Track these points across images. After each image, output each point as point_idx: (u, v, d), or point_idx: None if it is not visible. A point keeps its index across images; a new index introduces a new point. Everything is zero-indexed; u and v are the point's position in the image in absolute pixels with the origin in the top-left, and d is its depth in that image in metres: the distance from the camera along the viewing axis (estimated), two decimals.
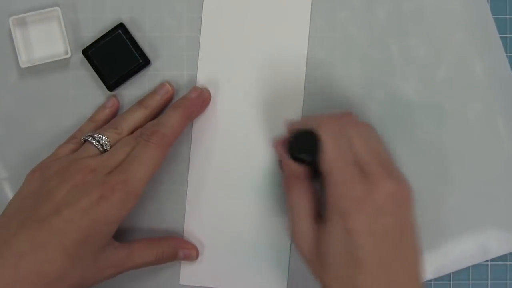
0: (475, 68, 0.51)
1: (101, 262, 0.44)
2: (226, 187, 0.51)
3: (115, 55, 0.50)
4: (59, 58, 0.50)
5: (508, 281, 0.52)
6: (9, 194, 0.51)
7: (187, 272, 0.51)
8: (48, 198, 0.42)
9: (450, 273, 0.51)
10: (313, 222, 0.43)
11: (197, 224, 0.51)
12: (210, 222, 0.51)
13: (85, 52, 0.50)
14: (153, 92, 0.50)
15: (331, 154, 0.42)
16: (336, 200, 0.41)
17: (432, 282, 0.51)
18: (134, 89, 0.51)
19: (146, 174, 0.44)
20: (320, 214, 0.44)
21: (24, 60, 0.49)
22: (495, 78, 0.51)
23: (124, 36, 0.50)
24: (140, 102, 0.49)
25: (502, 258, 0.52)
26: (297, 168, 0.44)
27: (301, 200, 0.44)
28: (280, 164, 0.47)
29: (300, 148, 0.43)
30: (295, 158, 0.44)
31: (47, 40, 0.50)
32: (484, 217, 0.51)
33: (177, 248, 0.49)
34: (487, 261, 0.51)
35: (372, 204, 0.40)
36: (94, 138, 0.46)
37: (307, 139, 0.43)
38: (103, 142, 0.46)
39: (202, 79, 0.51)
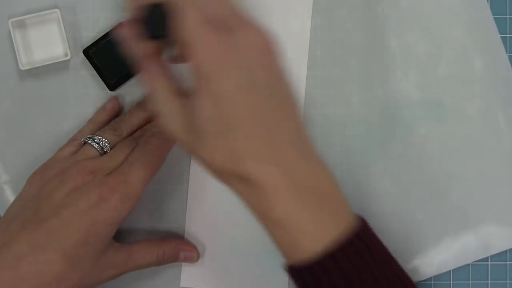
0: (475, 64, 0.51)
1: (101, 263, 0.44)
2: (227, 187, 0.51)
3: (116, 55, 0.49)
4: (59, 60, 0.50)
5: (508, 281, 0.52)
6: (10, 197, 0.51)
7: (188, 273, 0.51)
8: (48, 200, 0.42)
9: (450, 274, 0.51)
10: (178, 99, 0.40)
11: (198, 225, 0.51)
12: (211, 223, 0.51)
13: (86, 52, 0.50)
14: None
15: (187, 21, 0.38)
16: (200, 66, 0.38)
17: (432, 282, 0.51)
18: (135, 89, 0.51)
19: (145, 176, 0.44)
20: (181, 91, 0.41)
21: (24, 63, 0.49)
22: (495, 73, 0.51)
23: None
24: (140, 104, 0.49)
25: (502, 258, 0.51)
26: (152, 47, 0.41)
27: (160, 79, 0.41)
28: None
29: (154, 24, 0.40)
30: (151, 36, 0.40)
31: (47, 42, 0.50)
32: (485, 213, 0.51)
33: (178, 250, 0.49)
34: (487, 261, 0.51)
35: (236, 58, 0.38)
36: (93, 140, 0.46)
37: (157, 13, 0.39)
38: (103, 144, 0.46)
39: None
